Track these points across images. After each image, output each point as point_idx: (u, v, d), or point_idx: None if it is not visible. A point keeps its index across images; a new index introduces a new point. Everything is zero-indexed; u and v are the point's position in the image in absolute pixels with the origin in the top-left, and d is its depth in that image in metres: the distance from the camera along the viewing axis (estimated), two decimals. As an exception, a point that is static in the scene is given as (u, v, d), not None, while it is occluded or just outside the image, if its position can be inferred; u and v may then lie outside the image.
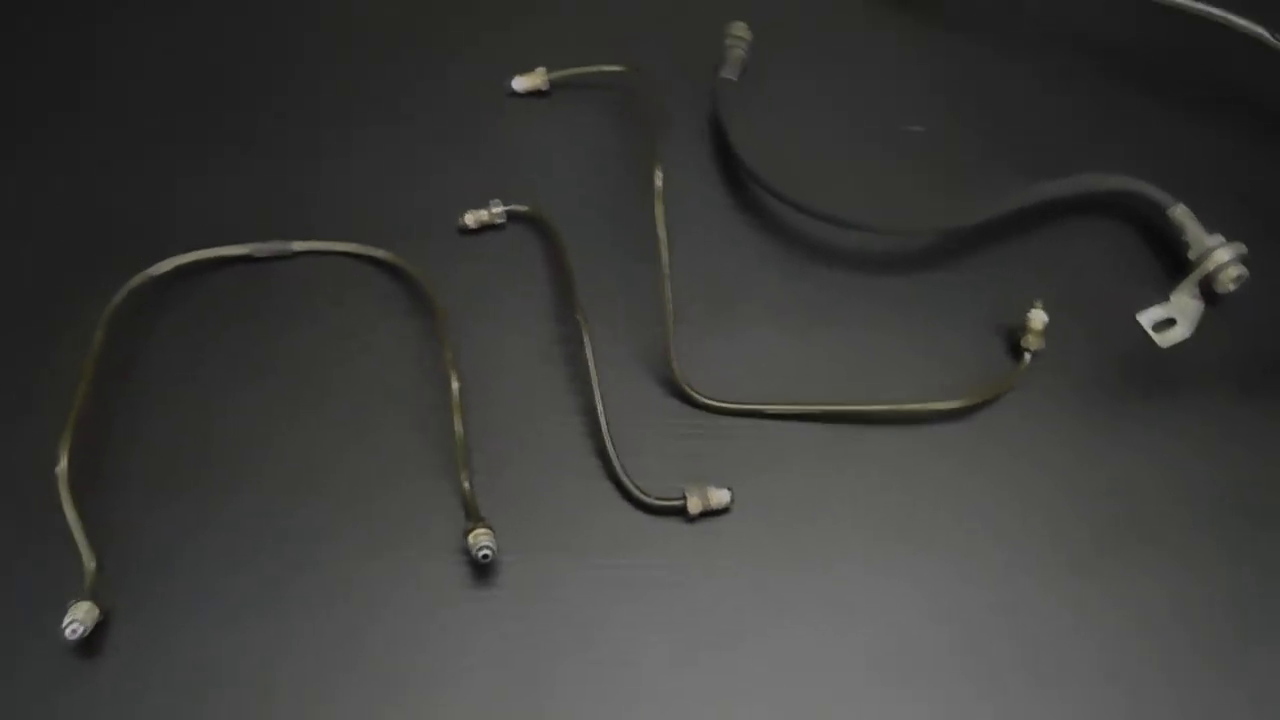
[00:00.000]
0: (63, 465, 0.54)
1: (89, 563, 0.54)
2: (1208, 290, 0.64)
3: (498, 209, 0.67)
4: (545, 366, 0.63)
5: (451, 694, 0.53)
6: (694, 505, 0.57)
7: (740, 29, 0.74)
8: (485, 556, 0.54)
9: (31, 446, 0.57)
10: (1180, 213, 0.66)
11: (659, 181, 0.61)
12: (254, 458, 0.60)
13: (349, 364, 0.63)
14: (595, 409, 0.59)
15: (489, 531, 0.54)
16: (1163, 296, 0.64)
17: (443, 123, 0.73)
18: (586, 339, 0.60)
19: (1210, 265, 0.63)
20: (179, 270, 0.64)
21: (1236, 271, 0.63)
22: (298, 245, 0.65)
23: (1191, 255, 0.65)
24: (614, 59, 0.73)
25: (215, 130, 0.72)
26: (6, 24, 0.78)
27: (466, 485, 0.57)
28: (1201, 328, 0.64)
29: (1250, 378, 0.63)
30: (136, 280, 0.62)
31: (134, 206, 0.69)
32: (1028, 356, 0.63)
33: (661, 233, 0.61)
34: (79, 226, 0.68)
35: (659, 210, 0.61)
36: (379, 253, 0.65)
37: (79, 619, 0.52)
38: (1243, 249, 0.63)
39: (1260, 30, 0.69)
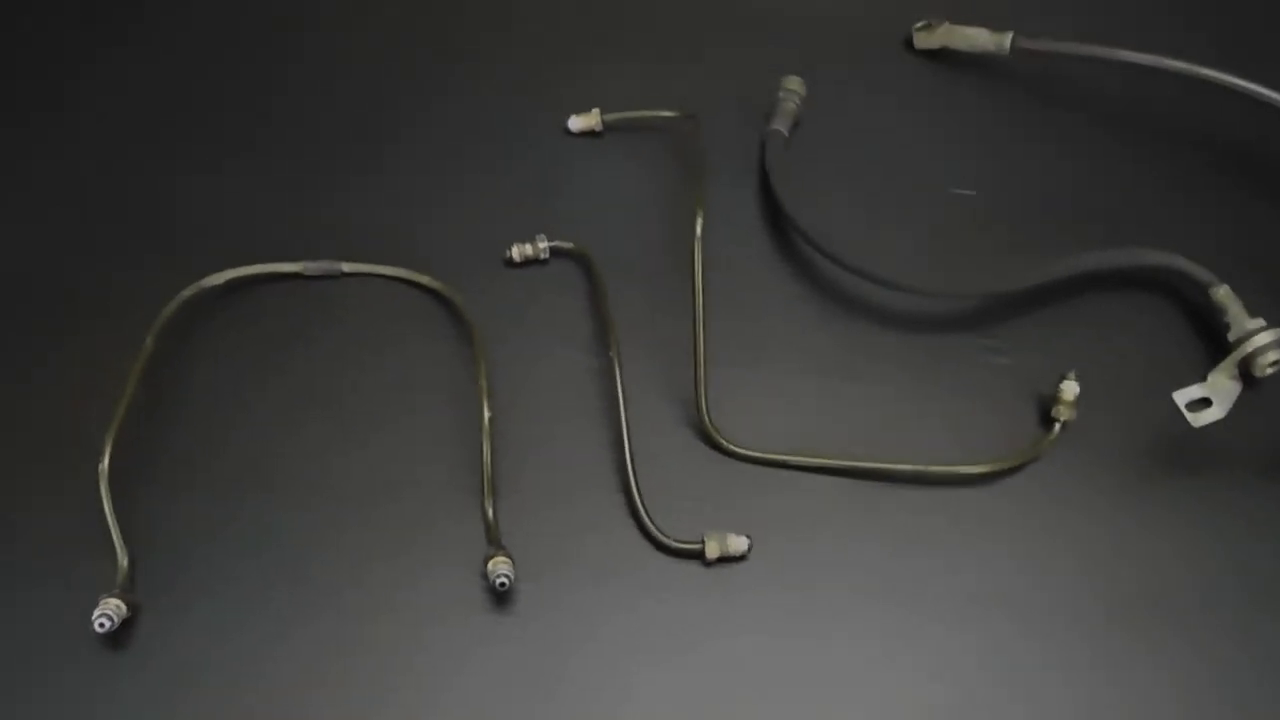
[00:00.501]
0: (105, 464, 0.56)
1: (123, 560, 0.56)
2: (1246, 373, 0.64)
3: (542, 244, 0.68)
4: (577, 401, 0.64)
5: (454, 713, 0.54)
6: (712, 551, 0.57)
7: (795, 83, 0.76)
8: (502, 585, 0.55)
9: (77, 444, 0.59)
10: (1223, 294, 0.66)
11: (699, 228, 0.62)
12: (288, 470, 0.61)
13: (387, 385, 0.65)
14: (622, 446, 0.60)
15: (508, 561, 0.55)
16: (1201, 376, 0.64)
17: (499, 157, 0.75)
18: (618, 377, 0.62)
19: (1249, 348, 0.63)
20: (231, 283, 0.66)
21: (1276, 356, 0.63)
22: (346, 266, 0.67)
23: (1231, 337, 0.64)
24: (671, 104, 0.75)
25: (284, 151, 0.75)
26: (82, 42, 0.81)
27: (490, 512, 0.58)
28: (1237, 410, 0.63)
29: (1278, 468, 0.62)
30: (189, 291, 0.64)
31: (196, 219, 0.71)
32: (1057, 427, 0.63)
33: (698, 279, 0.62)
34: (140, 233, 0.70)
35: (697, 256, 0.62)
36: (424, 279, 0.67)
37: (108, 613, 0.53)
38: (1284, 335, 0.63)
39: (1319, 118, 0.69)
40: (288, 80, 0.79)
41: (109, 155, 0.74)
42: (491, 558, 0.56)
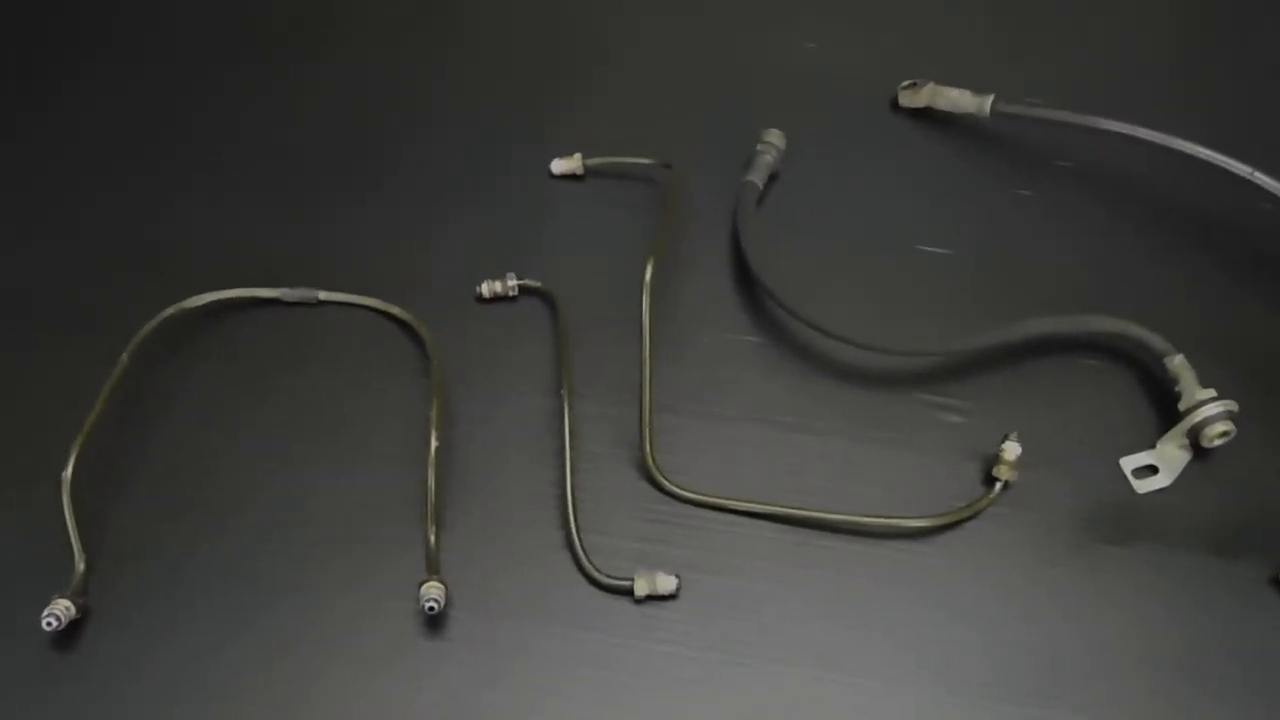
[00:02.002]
0: (68, 472, 0.59)
1: (79, 564, 0.59)
2: (1196, 443, 0.64)
3: (511, 282, 0.70)
4: (529, 437, 0.66)
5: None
6: (640, 588, 0.59)
7: (774, 136, 0.78)
8: (431, 609, 0.56)
9: (46, 453, 0.62)
10: (1178, 363, 0.66)
11: (649, 275, 0.64)
12: (247, 489, 0.64)
13: (352, 411, 0.67)
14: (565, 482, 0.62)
15: (440, 586, 0.57)
16: (1152, 444, 0.64)
17: (481, 196, 0.78)
18: (567, 414, 0.63)
19: (1198, 417, 0.63)
20: (212, 305, 0.69)
21: (1223, 428, 0.63)
22: (323, 295, 0.70)
23: (1181, 406, 0.65)
24: (656, 152, 0.77)
25: (272, 184, 0.79)
26: (73, 61, 0.86)
27: (432, 539, 0.60)
28: (1184, 480, 0.63)
29: (1223, 537, 0.62)
30: (170, 310, 0.67)
31: (184, 244, 0.75)
32: (998, 486, 0.63)
33: (646, 322, 0.64)
34: (129, 257, 0.74)
35: (645, 301, 0.64)
36: (395, 310, 0.69)
37: (57, 613, 0.56)
38: (1233, 407, 0.63)
39: (1290, 195, 0.69)
40: (281, 115, 0.83)
41: (102, 179, 0.79)
42: (425, 582, 0.57)
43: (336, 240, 0.75)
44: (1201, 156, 0.71)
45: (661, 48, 0.87)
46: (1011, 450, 0.63)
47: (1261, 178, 0.70)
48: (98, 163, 0.80)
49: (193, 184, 0.78)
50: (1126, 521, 0.63)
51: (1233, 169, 0.71)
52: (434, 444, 0.61)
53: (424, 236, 0.75)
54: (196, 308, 0.69)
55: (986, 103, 0.79)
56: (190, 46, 0.88)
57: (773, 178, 0.78)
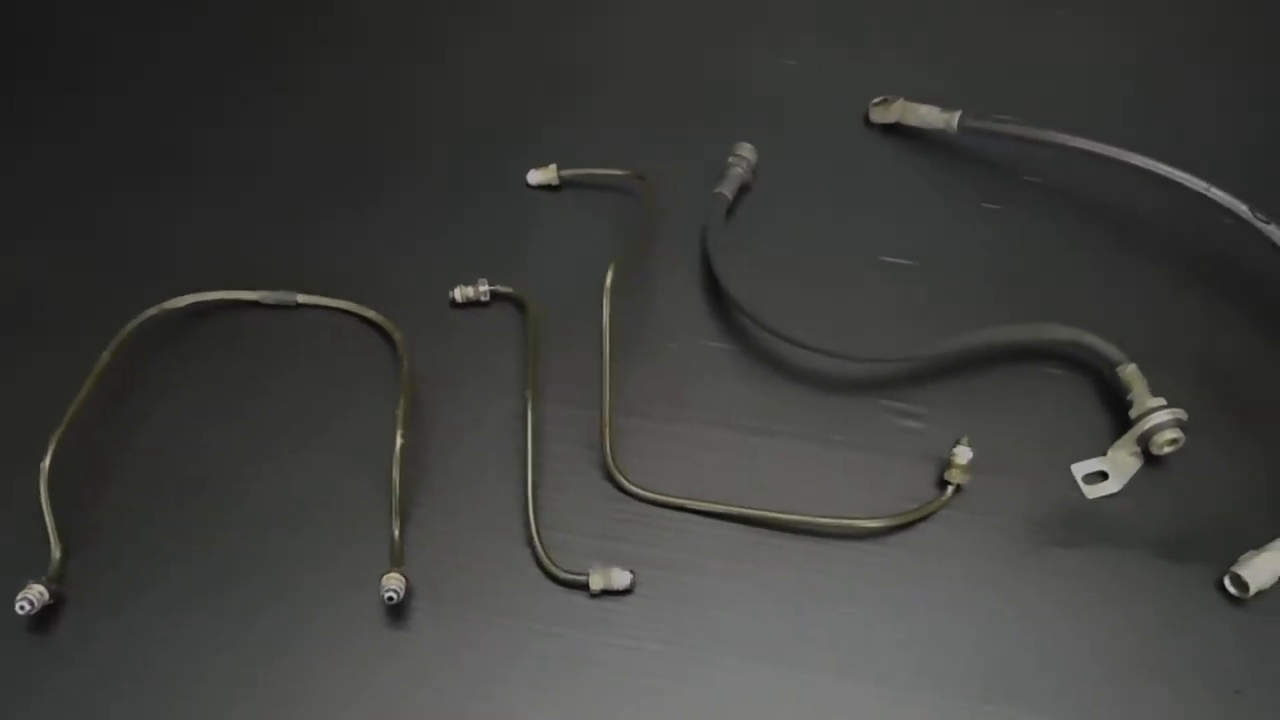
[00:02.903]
0: (47, 462, 0.62)
1: (55, 552, 0.61)
2: (1146, 450, 0.66)
3: (483, 287, 0.73)
4: (496, 437, 0.68)
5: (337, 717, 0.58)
6: (595, 583, 0.61)
7: (746, 149, 0.80)
8: (391, 599, 0.58)
9: (27, 444, 0.64)
10: (1130, 372, 0.67)
11: (609, 280, 0.66)
12: (221, 482, 0.66)
13: (326, 410, 0.69)
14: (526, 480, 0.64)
15: (400, 577, 0.59)
16: (1104, 451, 0.66)
17: (460, 205, 0.80)
18: (530, 415, 0.65)
19: (1147, 424, 0.65)
20: (193, 306, 0.72)
21: (1172, 435, 0.65)
22: (301, 297, 0.72)
23: (1133, 414, 0.66)
24: (631, 164, 0.79)
25: (255, 190, 0.81)
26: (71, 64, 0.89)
27: (396, 533, 0.62)
28: (1135, 486, 0.65)
29: (1171, 542, 0.63)
30: (152, 311, 0.70)
31: (168, 245, 0.77)
32: (950, 489, 0.65)
33: (606, 325, 0.66)
34: (113, 254, 0.77)
35: (606, 305, 0.66)
36: (370, 313, 0.72)
37: (30, 597, 0.58)
38: (1183, 415, 0.65)
39: (1241, 206, 0.71)
40: (269, 122, 0.86)
41: (92, 181, 0.82)
42: (387, 573, 0.59)
43: (317, 246, 0.77)
44: (1160, 172, 0.73)
45: (641, 63, 0.89)
46: (963, 454, 0.65)
47: (1217, 193, 0.71)
48: (88, 166, 0.82)
49: (179, 189, 0.81)
50: (1077, 526, 0.64)
51: (1189, 184, 0.72)
52: (399, 441, 0.63)
53: (402, 243, 0.77)
54: (178, 309, 0.71)
55: (954, 118, 0.81)
56: (181, 52, 0.91)
57: (744, 189, 0.80)
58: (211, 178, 0.82)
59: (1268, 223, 0.70)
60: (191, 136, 0.84)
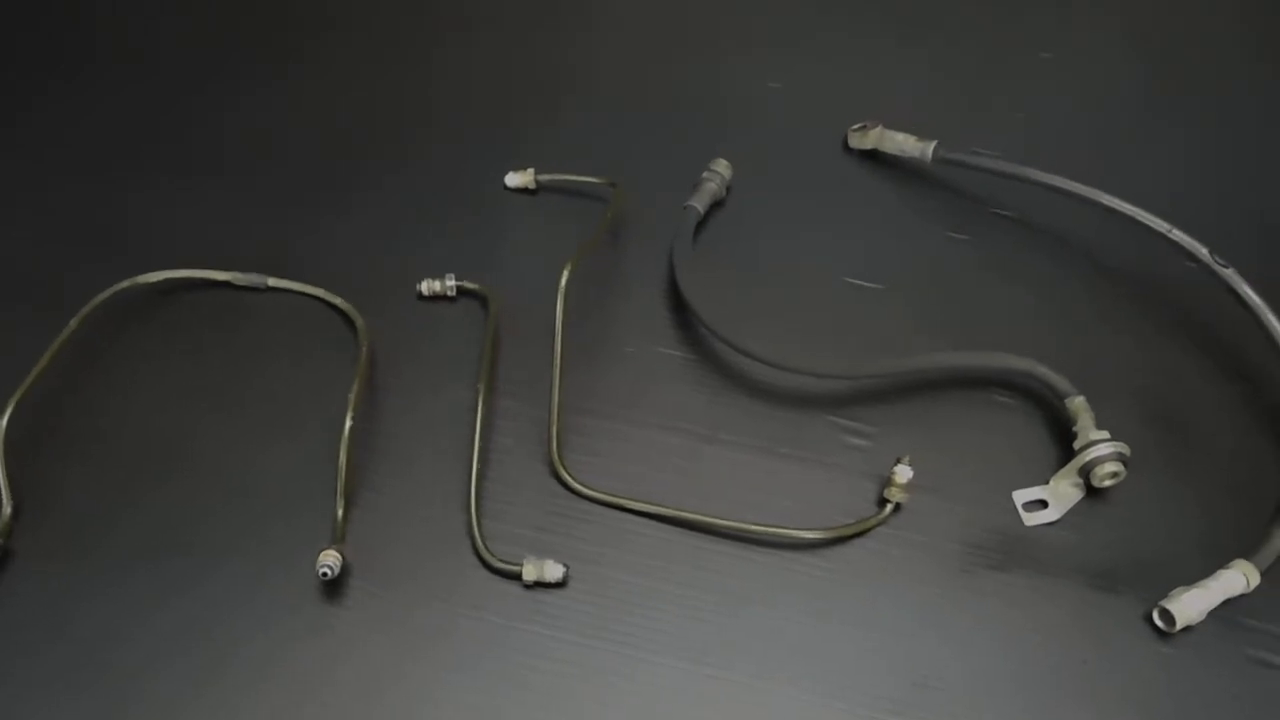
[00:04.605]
0: (4, 421, 0.63)
1: (6, 508, 0.62)
2: (1088, 482, 0.66)
3: (450, 282, 0.74)
4: (448, 427, 0.69)
5: (263, 687, 0.59)
6: (529, 573, 0.61)
7: (721, 165, 0.81)
8: (324, 575, 0.59)
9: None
10: (1078, 404, 0.68)
11: (564, 280, 0.67)
12: (176, 454, 0.68)
13: (286, 391, 0.71)
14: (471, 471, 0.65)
15: (336, 555, 0.60)
16: (1046, 480, 0.67)
17: (439, 203, 0.82)
18: (480, 407, 0.67)
19: (1089, 457, 0.65)
20: (166, 283, 0.73)
21: (1113, 468, 0.65)
22: (271, 281, 0.74)
23: (1076, 445, 0.67)
24: (610, 173, 0.81)
25: (239, 178, 0.83)
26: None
27: (339, 512, 0.63)
28: (1073, 517, 0.66)
29: (1104, 574, 0.64)
30: (125, 284, 0.71)
31: (152, 230, 0.79)
32: (889, 507, 0.65)
33: (558, 324, 0.67)
34: (93, 231, 0.79)
35: (559, 305, 0.67)
36: (337, 300, 0.73)
37: (-26, 549, 0.60)
38: (1125, 450, 0.65)
39: (1201, 249, 0.72)
40: (258, 115, 0.88)
41: (82, 164, 0.84)
42: (324, 550, 0.60)
43: (296, 235, 0.79)
44: (1125, 211, 0.74)
45: (628, 75, 0.91)
46: (903, 473, 0.65)
47: (1179, 235, 0.72)
48: (84, 149, 0.85)
49: (165, 173, 0.83)
50: (1013, 552, 0.65)
51: (1153, 225, 0.73)
52: (349, 423, 0.64)
53: (377, 237, 0.79)
54: (151, 284, 0.72)
55: (929, 148, 0.82)
56: (177, 42, 0.93)
57: (717, 204, 0.81)
58: (195, 166, 0.84)
59: (1226, 267, 0.71)
60: (178, 125, 0.87)
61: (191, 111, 0.88)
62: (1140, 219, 0.74)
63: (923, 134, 0.83)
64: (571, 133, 0.86)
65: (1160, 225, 0.73)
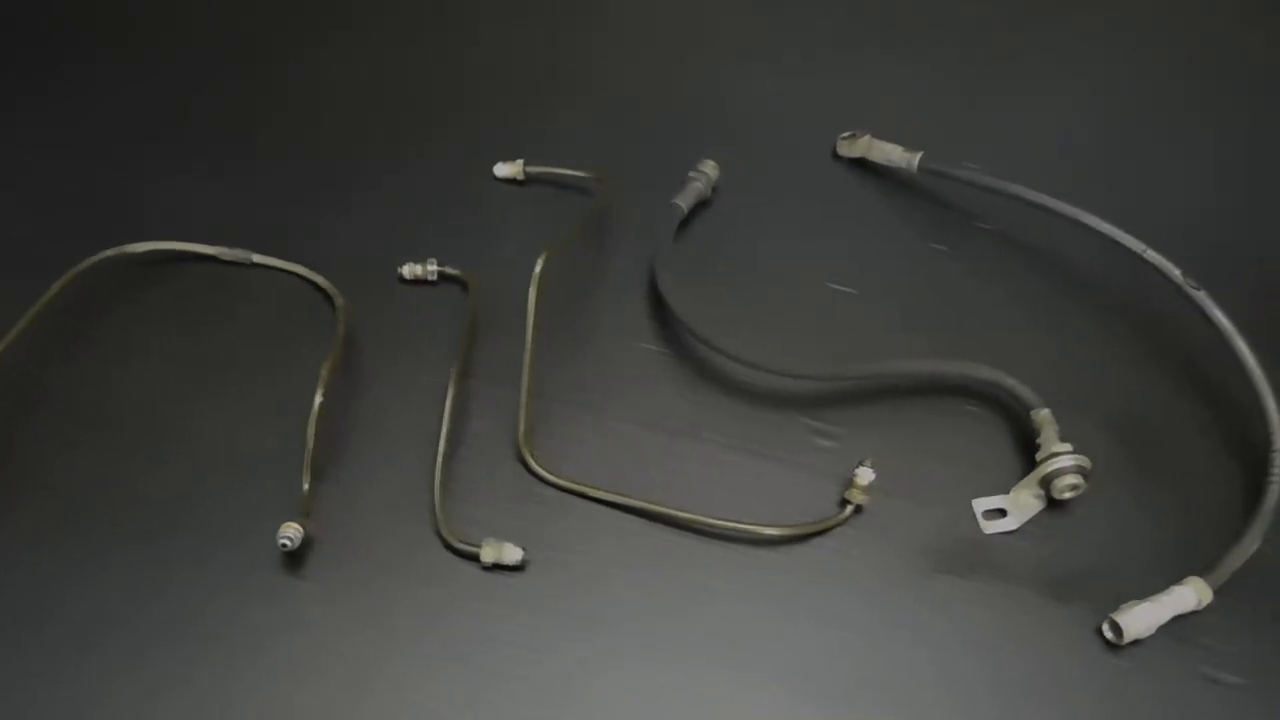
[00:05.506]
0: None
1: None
2: (1049, 493, 0.67)
3: (431, 266, 0.75)
4: (420, 408, 0.70)
5: (219, 656, 0.60)
6: (487, 555, 0.62)
7: (709, 166, 0.82)
8: (284, 546, 0.60)
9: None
10: (1043, 416, 0.69)
11: (538, 268, 0.68)
12: (149, 423, 0.69)
13: (265, 367, 0.72)
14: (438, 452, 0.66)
15: (298, 528, 0.61)
16: (1007, 490, 0.67)
17: (429, 189, 0.83)
18: (451, 390, 0.68)
19: (1049, 468, 0.66)
20: (151, 254, 0.75)
21: (1073, 480, 0.66)
22: (256, 257, 0.75)
23: (1038, 456, 0.67)
24: (599, 167, 0.82)
25: (236, 157, 0.85)
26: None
27: (306, 486, 0.64)
28: (1033, 527, 0.66)
29: (1058, 585, 0.64)
30: (110, 252, 0.72)
31: (149, 194, 0.81)
32: (849, 508, 0.66)
33: (530, 310, 0.68)
34: (85, 201, 0.80)
35: (532, 293, 0.68)
36: (319, 279, 0.74)
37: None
38: (1085, 463, 0.66)
39: (1174, 270, 0.72)
40: (259, 98, 0.89)
41: (78, 142, 0.86)
42: (286, 523, 0.61)
43: (286, 215, 0.80)
44: (1102, 230, 0.75)
45: (625, 73, 0.92)
46: (864, 476, 0.66)
47: (1153, 255, 0.73)
48: (86, 126, 0.87)
49: (160, 150, 0.84)
50: (969, 558, 0.66)
51: (1128, 244, 0.74)
52: (319, 399, 0.65)
53: (366, 220, 0.80)
54: (137, 254, 0.74)
55: (915, 159, 0.83)
56: (172, 30, 0.94)
57: (702, 204, 0.82)
58: (193, 145, 0.86)
59: (1197, 289, 0.71)
60: (179, 103, 0.89)
61: (189, 93, 0.89)
62: (1117, 238, 0.74)
63: (913, 145, 0.84)
64: (564, 128, 0.87)
65: (1136, 245, 0.73)
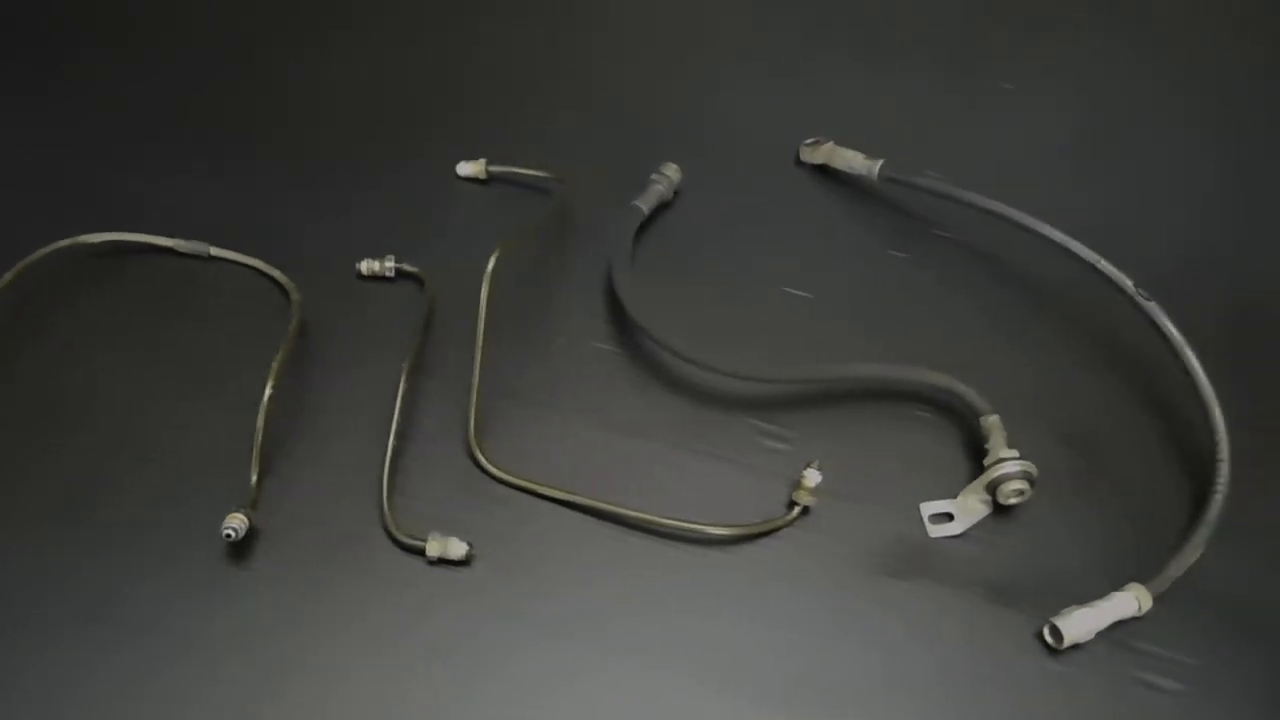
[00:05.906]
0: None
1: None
2: (995, 499, 0.67)
3: (389, 263, 0.75)
4: (371, 403, 0.70)
5: (163, 648, 0.60)
6: (432, 549, 0.62)
7: (670, 169, 0.83)
8: (229, 536, 0.61)
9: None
10: (991, 422, 0.69)
11: (491, 265, 0.69)
12: (101, 412, 0.69)
13: (217, 359, 0.72)
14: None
15: (243, 518, 0.61)
16: (954, 495, 0.68)
17: (391, 186, 0.83)
18: (402, 385, 0.68)
19: (995, 473, 0.66)
20: (108, 245, 0.75)
21: (1018, 486, 0.66)
22: (214, 250, 0.75)
23: (986, 462, 0.68)
24: (562, 169, 0.82)
25: (199, 149, 0.85)
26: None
27: (254, 477, 0.64)
28: (978, 532, 0.67)
29: (1001, 589, 0.65)
30: (65, 242, 0.72)
31: (101, 187, 0.81)
32: (796, 509, 0.66)
33: (482, 307, 0.68)
34: (44, 189, 0.80)
35: (484, 290, 0.68)
36: (275, 272, 0.74)
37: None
38: (1031, 469, 0.66)
39: (1127, 281, 0.73)
40: (229, 92, 0.90)
41: (86, 146, 0.86)
42: (231, 513, 0.61)
43: (246, 208, 0.81)
44: (1058, 240, 0.75)
45: (591, 75, 0.93)
46: (811, 477, 0.66)
47: (1105, 266, 0.73)
48: (83, 125, 0.87)
49: (126, 139, 0.85)
50: (914, 561, 0.66)
51: (1083, 255, 0.74)
52: (268, 391, 0.65)
53: (325, 215, 0.81)
54: (93, 244, 0.74)
55: (876, 167, 0.84)
56: (174, 27, 0.95)
57: (663, 206, 0.82)
58: (157, 135, 0.86)
59: (1148, 300, 0.72)
60: (147, 94, 0.89)
61: (157, 84, 0.89)
62: (1072, 248, 0.74)
63: (877, 153, 0.84)
64: (526, 127, 0.88)
65: (1090, 256, 0.74)
